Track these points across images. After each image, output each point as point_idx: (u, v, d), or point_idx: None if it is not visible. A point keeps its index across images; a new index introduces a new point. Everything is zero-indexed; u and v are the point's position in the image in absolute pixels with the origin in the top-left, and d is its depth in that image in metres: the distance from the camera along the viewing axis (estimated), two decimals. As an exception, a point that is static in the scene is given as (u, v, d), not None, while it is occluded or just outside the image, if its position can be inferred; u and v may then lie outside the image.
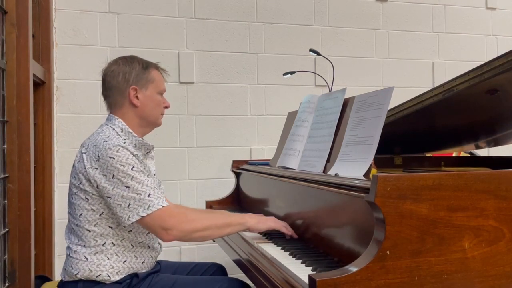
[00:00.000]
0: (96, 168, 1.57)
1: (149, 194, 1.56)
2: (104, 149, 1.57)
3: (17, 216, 1.93)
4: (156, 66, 1.80)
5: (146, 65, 1.76)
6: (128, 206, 1.55)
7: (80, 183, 1.61)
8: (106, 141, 1.59)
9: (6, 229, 1.91)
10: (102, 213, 1.61)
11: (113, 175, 1.55)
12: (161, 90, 1.79)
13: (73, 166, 1.67)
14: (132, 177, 1.55)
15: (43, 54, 2.64)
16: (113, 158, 1.56)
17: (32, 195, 2.03)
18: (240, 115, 3.16)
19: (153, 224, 1.56)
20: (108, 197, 1.57)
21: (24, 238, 1.95)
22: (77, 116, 2.86)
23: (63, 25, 2.84)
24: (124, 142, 1.61)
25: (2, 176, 1.89)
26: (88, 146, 1.63)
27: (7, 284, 1.90)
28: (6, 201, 1.92)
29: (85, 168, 1.59)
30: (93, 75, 2.86)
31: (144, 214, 1.54)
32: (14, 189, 1.93)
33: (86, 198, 1.61)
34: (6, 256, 1.92)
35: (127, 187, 1.55)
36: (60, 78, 2.84)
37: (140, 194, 1.55)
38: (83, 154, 1.62)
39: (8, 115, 1.93)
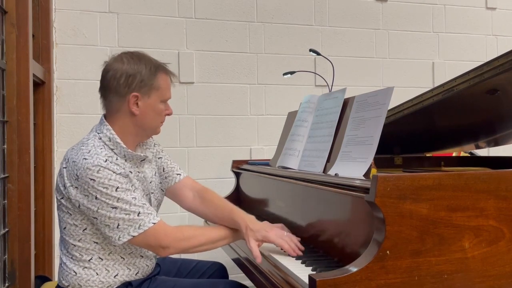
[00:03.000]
0: (76, 188, 1.47)
1: (139, 213, 1.47)
2: (83, 169, 1.44)
3: (17, 216, 1.93)
4: (165, 70, 1.62)
5: (155, 69, 1.58)
6: (117, 227, 1.46)
7: (62, 198, 1.52)
8: (85, 158, 1.46)
9: (6, 229, 1.91)
10: (85, 229, 1.52)
11: (96, 197, 1.45)
12: (165, 98, 1.62)
13: (56, 179, 1.57)
14: (118, 198, 1.45)
15: (43, 54, 2.64)
16: (94, 180, 1.44)
17: (32, 195, 2.03)
18: (240, 115, 3.16)
19: (147, 243, 1.50)
20: (94, 218, 1.47)
21: (24, 238, 1.95)
22: (77, 116, 2.86)
23: (63, 25, 2.84)
24: (105, 161, 1.47)
25: (2, 176, 1.89)
26: (68, 160, 1.51)
27: (7, 284, 1.90)
28: (6, 201, 1.92)
29: (65, 186, 1.50)
30: (93, 75, 2.86)
31: (135, 234, 1.47)
32: (14, 189, 1.93)
33: (68, 212, 1.52)
34: (6, 256, 1.91)
35: (113, 208, 1.45)
36: (60, 78, 2.84)
37: (129, 214, 1.46)
38: (64, 169, 1.51)
39: (8, 115, 1.93)
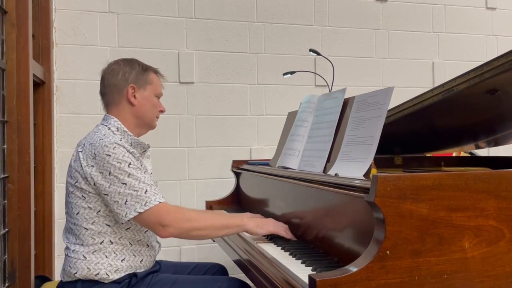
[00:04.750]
0: (93, 166, 1.58)
1: (146, 191, 1.56)
2: (101, 147, 1.58)
3: (17, 216, 1.94)
4: (155, 71, 1.84)
5: (146, 68, 1.80)
6: (125, 203, 1.55)
7: (77, 182, 1.62)
8: (102, 139, 1.60)
9: (6, 229, 1.91)
10: (99, 211, 1.61)
11: (110, 172, 1.56)
12: (158, 93, 1.82)
13: (70, 165, 1.67)
14: (129, 174, 1.56)
15: (43, 54, 2.65)
16: (110, 155, 1.56)
17: (32, 195, 2.04)
18: (240, 115, 3.16)
19: (150, 220, 1.57)
20: (105, 194, 1.57)
21: (24, 238, 1.95)
22: (77, 116, 2.86)
23: (63, 25, 2.84)
24: (120, 140, 1.63)
25: (2, 176, 1.89)
26: (84, 144, 1.64)
27: (7, 284, 1.90)
28: (6, 201, 1.92)
29: (81, 166, 1.60)
30: (93, 75, 2.85)
31: (141, 210, 1.55)
32: (14, 189, 1.93)
33: (82, 196, 1.61)
34: (6, 256, 1.92)
35: (123, 183, 1.55)
36: (60, 78, 2.84)
37: (137, 190, 1.56)
38: (80, 153, 1.63)
39: (8, 115, 1.93)
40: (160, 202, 1.57)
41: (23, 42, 1.96)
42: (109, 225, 1.62)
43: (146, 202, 1.55)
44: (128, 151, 1.60)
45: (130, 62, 1.79)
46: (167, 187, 2.93)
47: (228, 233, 1.72)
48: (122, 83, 1.74)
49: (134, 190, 1.55)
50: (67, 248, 1.67)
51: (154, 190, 1.59)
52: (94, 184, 1.58)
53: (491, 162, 2.33)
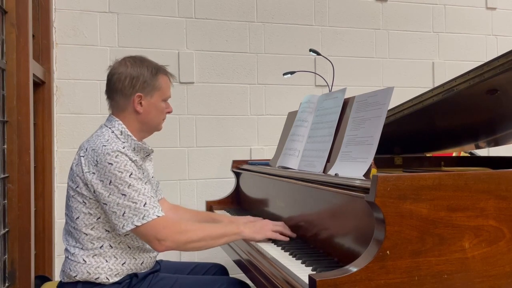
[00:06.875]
0: (94, 173, 1.56)
1: (145, 204, 1.54)
2: (103, 154, 1.55)
3: (17, 216, 1.93)
4: (165, 72, 1.75)
5: (156, 71, 1.71)
6: (123, 215, 1.53)
7: (78, 187, 1.59)
8: (105, 145, 1.57)
9: (6, 229, 1.91)
10: (99, 217, 1.60)
11: (110, 181, 1.53)
12: (166, 97, 1.76)
13: (71, 168, 1.65)
14: (129, 184, 1.54)
15: (43, 54, 2.64)
16: (112, 164, 1.54)
17: (32, 195, 2.03)
18: (240, 115, 3.16)
19: (147, 234, 1.54)
20: (104, 204, 1.55)
21: (24, 238, 1.95)
22: (77, 116, 2.86)
23: (63, 25, 2.84)
24: (123, 147, 1.59)
25: (2, 176, 1.89)
26: (86, 149, 1.61)
27: (7, 284, 1.90)
28: (6, 201, 1.92)
29: (82, 172, 1.57)
30: (93, 75, 2.87)
31: (138, 224, 1.52)
32: (14, 189, 1.93)
33: (83, 201, 1.59)
34: (6, 256, 1.92)
35: (123, 194, 1.53)
36: (60, 78, 2.84)
37: (136, 203, 1.53)
38: (81, 158, 1.60)
39: (8, 115, 1.93)
40: (158, 216, 1.54)
41: (23, 42, 1.96)
42: (108, 231, 1.61)
43: (144, 216, 1.53)
44: (130, 159, 1.57)
45: (139, 65, 1.69)
46: (167, 187, 2.93)
47: (225, 242, 1.70)
48: (129, 90, 1.67)
49: (133, 202, 1.53)
50: (66, 250, 1.66)
51: (153, 203, 1.56)
52: (94, 192, 1.56)
53: (491, 162, 2.33)
